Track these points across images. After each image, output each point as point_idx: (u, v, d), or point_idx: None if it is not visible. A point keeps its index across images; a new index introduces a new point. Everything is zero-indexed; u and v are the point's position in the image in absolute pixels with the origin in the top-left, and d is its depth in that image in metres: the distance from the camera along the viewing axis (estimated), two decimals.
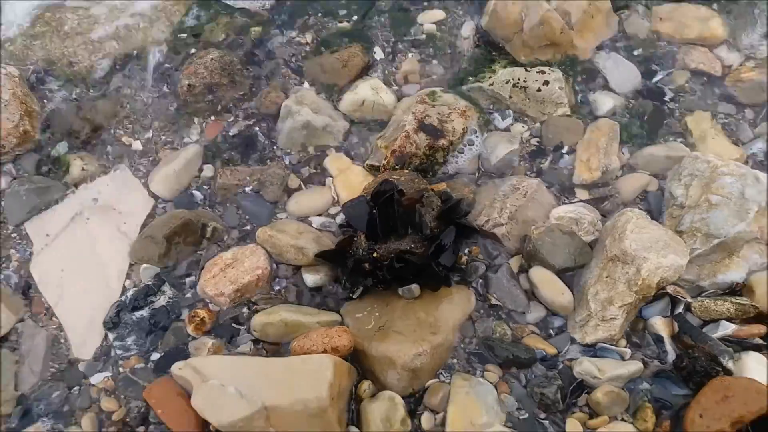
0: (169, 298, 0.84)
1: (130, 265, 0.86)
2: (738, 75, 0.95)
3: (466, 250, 0.81)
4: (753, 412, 0.63)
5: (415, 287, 0.75)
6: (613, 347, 0.72)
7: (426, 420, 0.71)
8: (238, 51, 1.02)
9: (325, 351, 0.73)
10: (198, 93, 0.97)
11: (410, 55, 1.02)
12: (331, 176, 0.91)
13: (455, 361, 0.75)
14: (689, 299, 0.73)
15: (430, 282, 0.75)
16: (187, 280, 0.84)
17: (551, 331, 0.76)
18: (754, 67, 0.96)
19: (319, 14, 1.05)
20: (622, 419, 0.69)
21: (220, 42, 1.03)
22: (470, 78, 0.97)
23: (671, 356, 0.71)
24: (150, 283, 0.84)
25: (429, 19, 1.05)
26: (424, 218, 0.75)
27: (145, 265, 0.85)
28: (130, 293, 0.84)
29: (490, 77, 0.95)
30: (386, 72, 1.00)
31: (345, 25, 1.04)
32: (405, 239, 0.71)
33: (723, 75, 0.96)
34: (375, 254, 0.70)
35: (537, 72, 0.93)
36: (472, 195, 0.85)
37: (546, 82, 0.92)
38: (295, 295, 0.81)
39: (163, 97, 1.00)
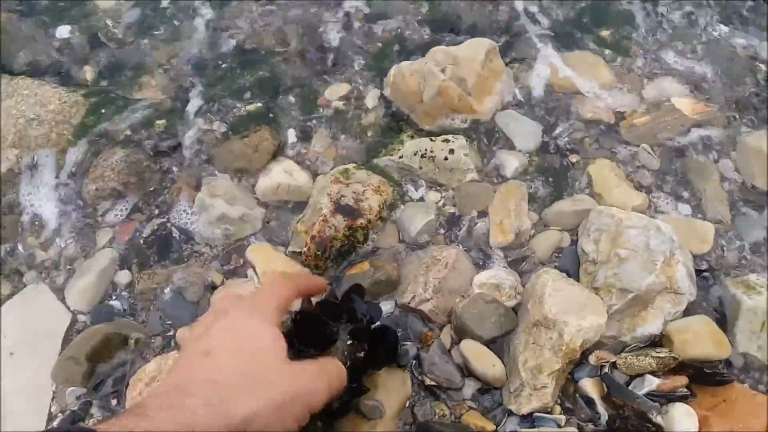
0: (98, 420, 0.77)
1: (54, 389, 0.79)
2: (631, 120, 0.98)
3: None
4: None
5: (379, 404, 0.69)
6: (549, 416, 0.70)
7: None
8: (144, 146, 0.97)
9: None
10: (107, 196, 0.91)
11: (320, 132, 0.99)
12: (253, 267, 0.87)
13: None
14: (612, 359, 0.72)
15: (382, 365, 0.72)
16: (116, 399, 0.78)
17: (488, 405, 0.73)
18: (644, 111, 0.99)
19: (224, 99, 1.02)
20: None
21: (125, 138, 0.98)
22: (381, 150, 0.96)
23: (604, 417, 0.70)
24: (76, 408, 0.77)
25: (334, 94, 1.04)
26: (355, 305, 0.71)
27: (70, 388, 0.78)
28: (56, 422, 0.76)
29: (398, 149, 0.93)
30: (298, 152, 0.97)
31: (251, 107, 1.01)
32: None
33: (617, 121, 0.98)
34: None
35: (442, 141, 0.92)
36: (396, 272, 0.82)
37: (451, 150, 0.91)
38: None
39: (71, 203, 0.93)
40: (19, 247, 0.91)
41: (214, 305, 0.56)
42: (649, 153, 0.93)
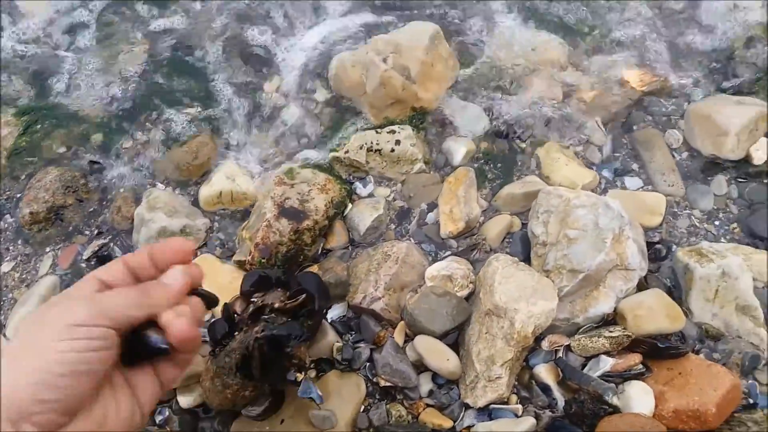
0: None
1: None
2: (579, 96, 0.97)
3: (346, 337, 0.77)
4: None
5: (330, 414, 0.68)
6: (506, 406, 0.70)
7: None
8: (80, 163, 0.95)
9: None
10: (42, 219, 0.89)
11: (264, 131, 0.98)
12: None
13: None
14: (566, 343, 0.72)
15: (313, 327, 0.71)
16: None
17: (445, 401, 0.73)
18: (592, 86, 0.98)
19: (162, 106, 0.99)
20: None
21: (60, 156, 0.95)
22: (327, 145, 0.94)
23: (561, 403, 0.70)
24: None
25: (277, 89, 1.02)
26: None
27: None
28: None
29: (344, 144, 0.92)
30: (242, 154, 0.95)
31: (190, 111, 0.99)
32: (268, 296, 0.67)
33: (565, 99, 0.97)
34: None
35: (387, 132, 0.91)
36: (345, 272, 0.81)
37: (398, 141, 0.90)
38: (178, 423, 0.74)
39: (9, 231, 0.91)
40: None
41: None
42: (598, 127, 0.93)
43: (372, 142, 0.91)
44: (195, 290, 0.46)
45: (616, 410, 0.67)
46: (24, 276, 0.87)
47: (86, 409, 0.39)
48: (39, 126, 0.99)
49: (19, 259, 0.88)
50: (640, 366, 0.70)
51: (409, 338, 0.76)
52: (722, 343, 0.74)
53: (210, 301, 0.47)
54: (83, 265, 0.87)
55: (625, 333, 0.70)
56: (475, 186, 0.88)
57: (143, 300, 0.42)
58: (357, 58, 0.97)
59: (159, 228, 0.84)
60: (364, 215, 0.86)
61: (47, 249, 0.89)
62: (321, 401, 0.68)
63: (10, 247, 0.90)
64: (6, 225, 0.91)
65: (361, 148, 0.91)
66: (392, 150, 0.90)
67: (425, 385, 0.74)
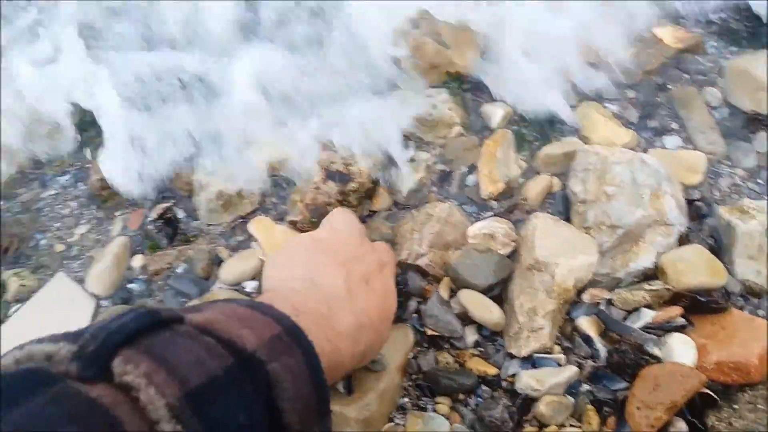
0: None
1: None
2: (614, 56, 0.91)
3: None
4: (683, 395, 0.60)
5: (381, 358, 0.67)
6: (549, 356, 0.68)
7: None
8: None
9: None
10: (110, 186, 0.89)
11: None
12: (256, 240, 0.85)
13: (406, 400, 0.70)
14: (607, 296, 0.69)
15: None
16: None
17: (491, 351, 0.71)
18: (626, 47, 0.92)
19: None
20: (570, 425, 0.65)
21: None
22: None
23: (603, 353, 0.67)
24: None
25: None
26: None
27: None
28: None
29: None
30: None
31: None
32: None
33: (600, 60, 0.91)
34: None
35: (424, 97, 0.88)
36: (390, 231, 0.80)
37: (434, 106, 0.86)
38: None
39: (82, 197, 0.92)
40: (41, 241, 0.90)
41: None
42: (635, 91, 0.88)
43: None
44: None
45: (657, 361, 0.64)
46: (99, 237, 0.89)
47: None
48: None
49: (93, 222, 0.90)
50: (682, 319, 0.67)
51: (453, 293, 0.75)
52: (766, 300, 0.70)
53: None
54: (150, 227, 0.87)
55: (666, 286, 0.67)
56: (513, 148, 0.85)
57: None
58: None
59: (216, 192, 0.84)
60: (406, 178, 0.84)
61: (117, 213, 0.90)
62: None
63: (85, 212, 0.91)
64: (80, 192, 0.93)
65: None
66: (429, 115, 0.87)
67: (471, 336, 0.72)
